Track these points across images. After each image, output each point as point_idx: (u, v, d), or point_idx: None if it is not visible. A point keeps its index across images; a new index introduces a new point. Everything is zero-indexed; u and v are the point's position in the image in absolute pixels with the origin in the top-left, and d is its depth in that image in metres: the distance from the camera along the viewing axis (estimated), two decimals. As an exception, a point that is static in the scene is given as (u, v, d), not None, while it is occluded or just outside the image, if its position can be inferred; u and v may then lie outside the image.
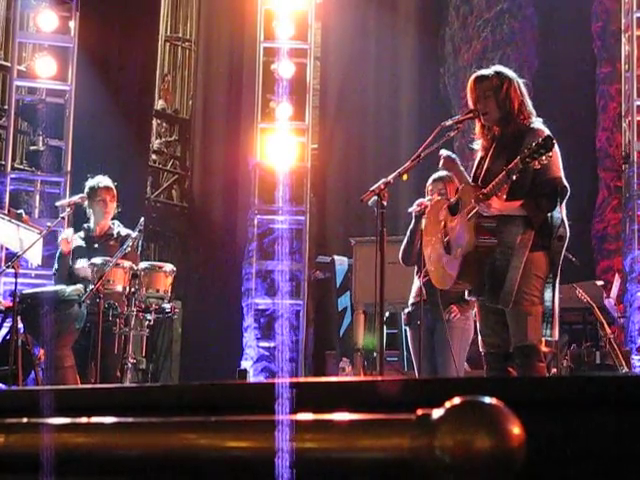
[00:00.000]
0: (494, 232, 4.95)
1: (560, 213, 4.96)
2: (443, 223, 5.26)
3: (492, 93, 5.09)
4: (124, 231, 7.49)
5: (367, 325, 9.09)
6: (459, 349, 6.67)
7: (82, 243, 7.58)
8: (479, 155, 5.29)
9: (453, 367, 6.56)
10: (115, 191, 7.59)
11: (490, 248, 4.94)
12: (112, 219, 7.62)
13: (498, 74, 5.13)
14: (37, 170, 10.16)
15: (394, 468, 1.48)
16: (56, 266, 7.59)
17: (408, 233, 6.60)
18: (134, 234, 7.27)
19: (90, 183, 7.60)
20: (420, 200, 6.35)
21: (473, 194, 4.97)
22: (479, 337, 5.23)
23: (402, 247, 6.68)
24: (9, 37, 10.69)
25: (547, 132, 5.00)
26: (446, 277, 5.22)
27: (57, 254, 7.63)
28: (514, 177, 4.82)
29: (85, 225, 7.67)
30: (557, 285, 5.03)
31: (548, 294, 5.00)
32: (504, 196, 4.90)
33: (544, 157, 4.73)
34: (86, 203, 7.59)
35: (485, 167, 5.11)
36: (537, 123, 5.09)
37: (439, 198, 6.06)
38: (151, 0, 12.49)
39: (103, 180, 7.61)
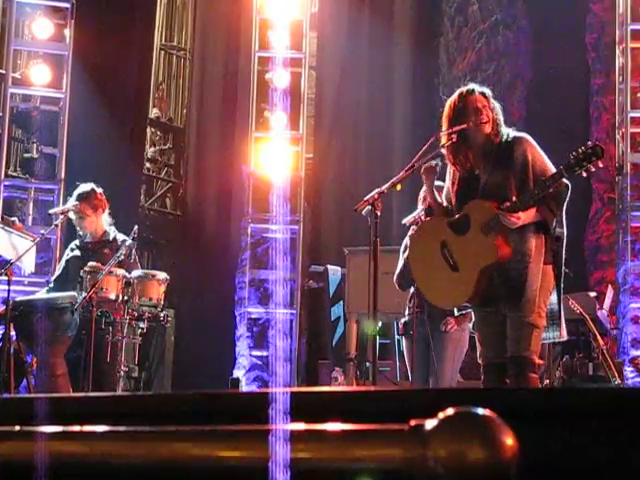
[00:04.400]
0: (510, 243, 4.95)
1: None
2: (442, 242, 5.18)
3: (487, 106, 5.12)
4: (120, 236, 7.50)
5: (359, 335, 9.09)
6: (454, 360, 6.67)
7: (77, 253, 7.59)
8: (453, 173, 5.26)
9: (447, 378, 6.56)
10: (89, 202, 7.56)
11: (508, 260, 4.93)
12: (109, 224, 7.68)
13: (485, 92, 5.19)
14: (31, 177, 10.14)
15: (387, 479, 1.47)
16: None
17: (403, 260, 6.56)
18: (128, 241, 7.27)
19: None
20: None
21: (486, 209, 4.95)
22: (478, 349, 5.20)
23: (397, 272, 6.66)
24: (4, 44, 10.67)
25: (529, 138, 5.06)
26: (456, 295, 5.16)
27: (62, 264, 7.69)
28: (551, 189, 4.84)
29: (79, 233, 7.69)
30: (561, 285, 5.04)
31: (553, 296, 5.02)
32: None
33: (592, 165, 4.73)
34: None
35: (482, 183, 5.09)
36: (514, 132, 5.14)
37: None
38: (146, 8, 12.48)
39: (78, 193, 7.61)
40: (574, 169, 4.76)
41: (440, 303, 5.46)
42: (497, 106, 5.17)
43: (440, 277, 5.19)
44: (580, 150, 4.77)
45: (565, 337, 5.23)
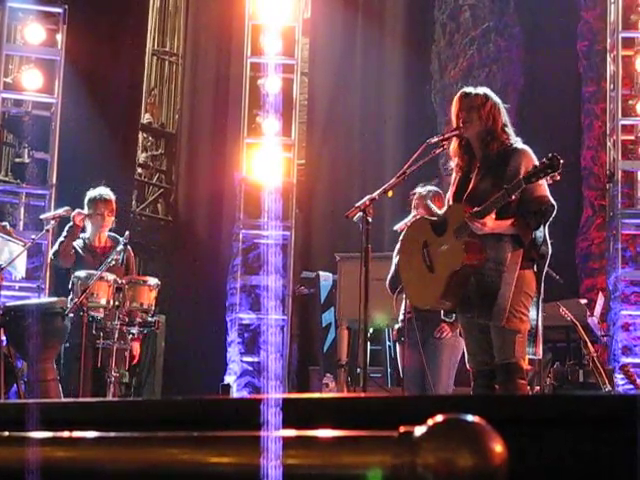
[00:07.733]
0: (483, 250, 4.95)
1: (542, 231, 4.98)
2: (424, 242, 5.21)
3: (476, 106, 5.13)
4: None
5: (350, 341, 9.08)
6: (449, 367, 6.66)
7: (81, 253, 7.56)
8: (454, 175, 5.29)
9: (443, 385, 6.55)
10: (114, 204, 7.63)
11: (478, 266, 4.94)
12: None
13: (485, 94, 5.19)
14: (22, 182, 10.13)
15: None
16: (57, 248, 7.57)
17: (396, 263, 6.55)
18: (119, 247, 7.30)
19: (90, 194, 7.62)
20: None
21: (462, 213, 4.96)
22: (466, 355, 5.21)
23: (390, 275, 6.66)
24: (-5, 49, 10.66)
25: (530, 152, 5.06)
26: (429, 296, 5.19)
27: (64, 233, 7.59)
28: (513, 197, 4.85)
29: (82, 235, 7.65)
30: (540, 303, 5.05)
31: (532, 312, 5.02)
32: (492, 215, 4.91)
33: (549, 177, 4.79)
34: (85, 213, 7.60)
35: (471, 187, 5.10)
36: (519, 143, 5.13)
37: (420, 216, 6.03)
38: (138, 14, 12.49)
39: (103, 192, 7.63)
40: (531, 179, 4.81)
41: (416, 303, 5.54)
42: (495, 110, 5.15)
43: (418, 277, 5.24)
44: (539, 162, 4.83)
45: (540, 355, 5.27)
